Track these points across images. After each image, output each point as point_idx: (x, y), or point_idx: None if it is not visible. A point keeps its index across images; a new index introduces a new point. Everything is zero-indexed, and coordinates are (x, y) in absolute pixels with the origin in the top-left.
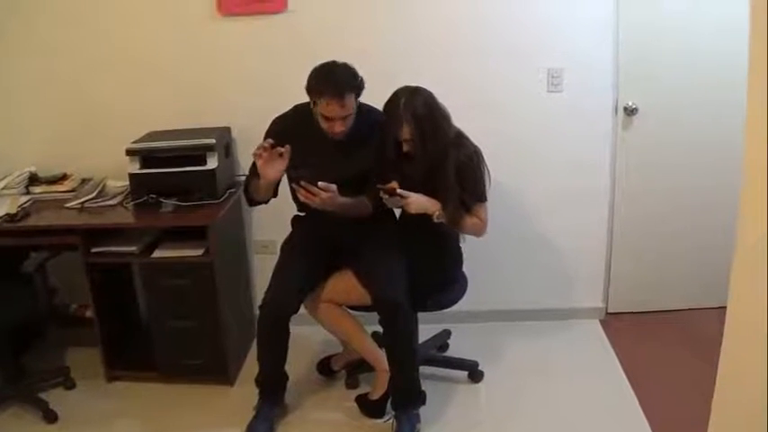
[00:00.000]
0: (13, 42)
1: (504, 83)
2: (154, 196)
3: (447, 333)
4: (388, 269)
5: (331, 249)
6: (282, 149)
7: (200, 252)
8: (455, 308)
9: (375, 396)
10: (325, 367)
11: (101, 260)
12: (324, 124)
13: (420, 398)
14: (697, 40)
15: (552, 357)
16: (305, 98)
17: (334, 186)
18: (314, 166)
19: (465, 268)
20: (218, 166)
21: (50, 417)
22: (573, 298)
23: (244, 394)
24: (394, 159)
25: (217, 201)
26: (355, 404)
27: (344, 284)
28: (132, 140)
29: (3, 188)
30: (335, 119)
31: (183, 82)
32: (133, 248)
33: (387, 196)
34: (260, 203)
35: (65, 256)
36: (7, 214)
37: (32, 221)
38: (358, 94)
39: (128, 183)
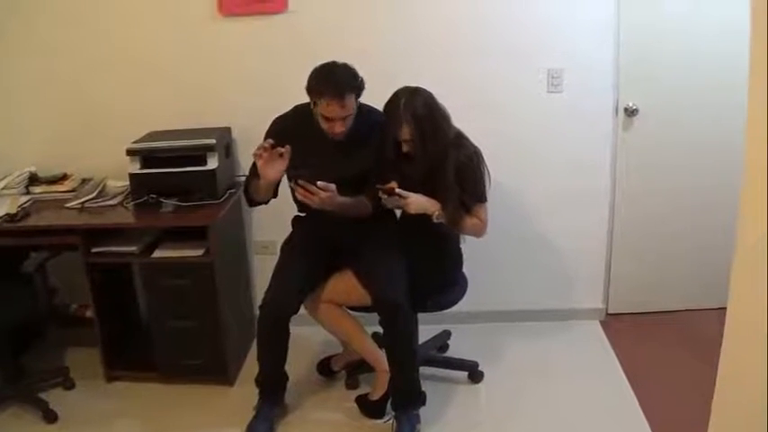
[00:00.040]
0: (13, 42)
1: (505, 83)
2: (154, 196)
3: (447, 334)
4: (388, 270)
5: (331, 250)
6: (282, 150)
7: (200, 252)
8: (455, 308)
9: (375, 396)
10: (326, 368)
11: (101, 260)
12: (324, 125)
13: (420, 398)
14: (697, 41)
15: (552, 358)
16: (305, 98)
17: (332, 186)
18: (314, 167)
19: (465, 269)
20: (219, 166)
21: (50, 417)
22: (573, 299)
23: (244, 394)
24: (393, 159)
25: (217, 201)
26: (355, 404)
27: (345, 285)
28: (133, 140)
29: (3, 188)
30: (336, 119)
31: (183, 82)
32: (133, 248)
33: (386, 196)
34: (260, 204)
35: (65, 256)
36: (7, 214)
37: (32, 221)
38: (358, 95)
39: (128, 183)
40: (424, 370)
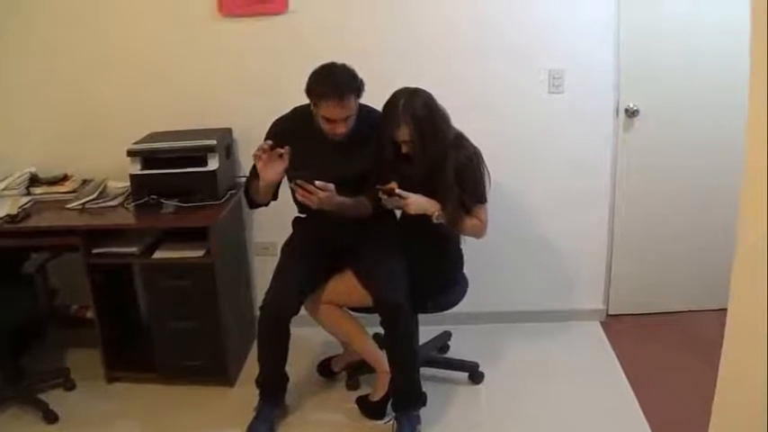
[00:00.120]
0: (13, 42)
1: (506, 84)
2: (155, 197)
3: (447, 334)
4: (388, 270)
5: (332, 251)
6: (282, 150)
7: (200, 253)
8: (456, 309)
9: (376, 397)
10: (326, 368)
11: (101, 261)
12: (325, 126)
13: (420, 399)
14: (698, 41)
15: (553, 359)
16: (306, 99)
17: (331, 186)
18: (313, 167)
19: (465, 270)
20: (219, 167)
21: (50, 417)
22: (573, 300)
23: (244, 395)
24: (393, 160)
25: (218, 202)
26: (356, 405)
27: (345, 286)
28: (133, 141)
29: (3, 189)
30: (337, 120)
31: (184, 83)
32: (134, 249)
33: (386, 197)
34: (260, 206)
35: (65, 256)
36: (8, 215)
37: (33, 222)
38: (358, 95)
39: (129, 184)
40: (424, 371)
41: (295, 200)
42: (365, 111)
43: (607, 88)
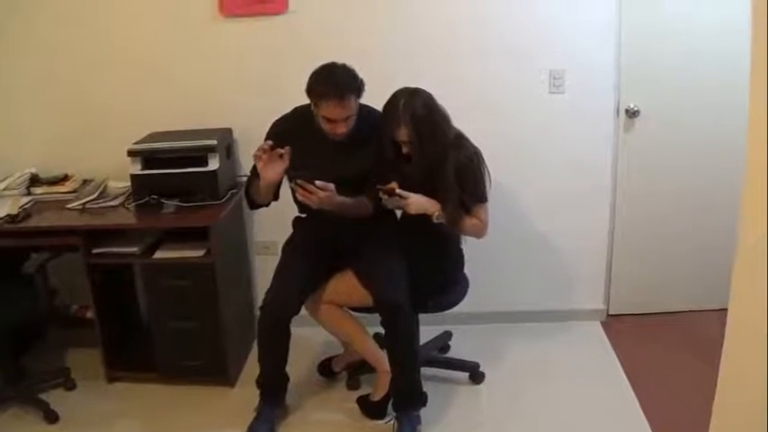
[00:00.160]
0: (13, 42)
1: (506, 84)
2: (155, 197)
3: (448, 334)
4: (388, 270)
5: (332, 251)
6: (282, 151)
7: (201, 253)
8: (456, 309)
9: (376, 397)
10: (326, 368)
11: (102, 261)
12: (326, 126)
13: (421, 399)
14: (698, 42)
15: (553, 359)
16: (306, 99)
17: (331, 185)
18: (314, 167)
19: (466, 270)
20: (220, 167)
21: (51, 417)
22: (574, 300)
23: (244, 395)
24: (393, 160)
25: (218, 202)
26: (356, 405)
27: (346, 285)
28: (134, 141)
29: (4, 189)
30: (338, 120)
31: (184, 83)
32: (134, 249)
33: (386, 197)
34: (261, 206)
35: (66, 256)
36: (8, 215)
37: (33, 222)
38: (359, 95)
39: (129, 184)
40: (425, 371)
41: (295, 200)
42: (365, 111)
43: (608, 88)
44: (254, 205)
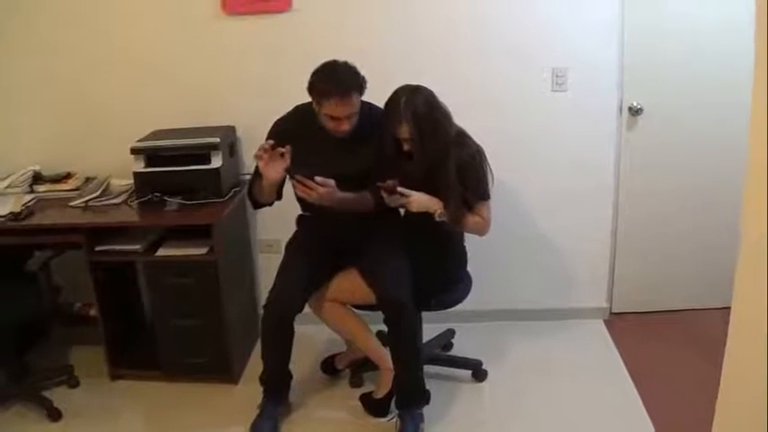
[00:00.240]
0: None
1: (509, 82)
2: (158, 195)
3: (451, 332)
4: (392, 268)
5: (335, 249)
6: (283, 150)
7: (204, 251)
8: (459, 307)
9: (379, 395)
10: (330, 366)
11: (105, 259)
12: (329, 124)
13: (424, 397)
14: (701, 41)
15: (556, 357)
16: (309, 97)
17: (332, 181)
18: (316, 165)
19: (469, 268)
20: (223, 164)
21: (54, 415)
22: (577, 298)
23: (248, 393)
24: (394, 157)
25: (221, 199)
26: (359, 403)
27: (349, 283)
28: (137, 139)
29: (7, 187)
30: (341, 118)
31: (186, 82)
32: (137, 247)
33: (387, 195)
34: (264, 206)
35: (69, 254)
36: (11, 213)
37: (36, 220)
38: (361, 92)
39: (132, 181)
40: (428, 368)
41: (298, 198)
42: (367, 108)
43: (610, 87)
44: (258, 205)
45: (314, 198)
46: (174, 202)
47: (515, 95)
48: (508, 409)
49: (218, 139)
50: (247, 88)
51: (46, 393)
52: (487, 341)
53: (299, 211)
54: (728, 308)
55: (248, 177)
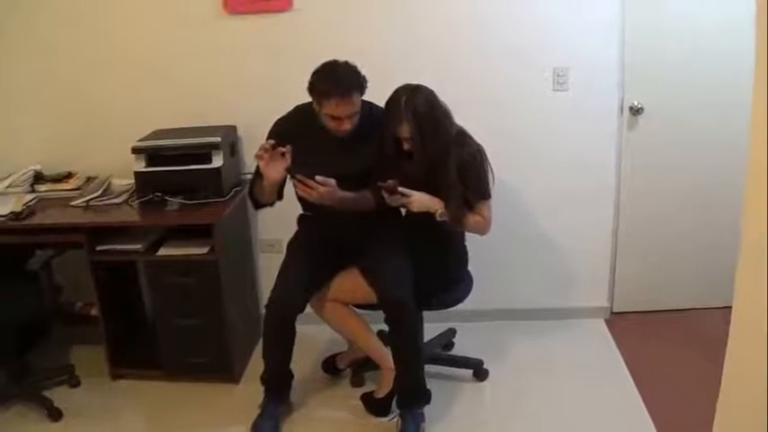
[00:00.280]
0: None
1: (510, 81)
2: (159, 194)
3: (452, 332)
4: (393, 268)
5: (337, 248)
6: (284, 149)
7: (205, 250)
8: (460, 307)
9: (380, 394)
10: (331, 365)
11: (106, 258)
12: (330, 124)
13: (425, 396)
14: (702, 40)
15: (557, 356)
16: (310, 97)
17: (332, 180)
18: (317, 165)
19: (470, 267)
20: (224, 164)
21: (55, 415)
22: (578, 297)
23: (249, 392)
24: (395, 157)
25: (222, 199)
26: (360, 402)
27: (351, 283)
28: (137, 139)
29: (8, 186)
30: (342, 118)
31: (187, 81)
32: (138, 246)
33: (388, 195)
34: (265, 206)
35: (70, 254)
36: (12, 212)
37: (37, 219)
38: (362, 92)
39: (133, 181)
40: (429, 368)
41: (299, 197)
42: (367, 107)
43: (611, 86)
44: (258, 205)
45: (314, 197)
46: (174, 202)
47: (516, 95)
48: (509, 408)
49: (219, 139)
50: (248, 88)
51: (47, 393)
52: (488, 341)
53: (301, 211)
54: (729, 307)
55: (249, 177)
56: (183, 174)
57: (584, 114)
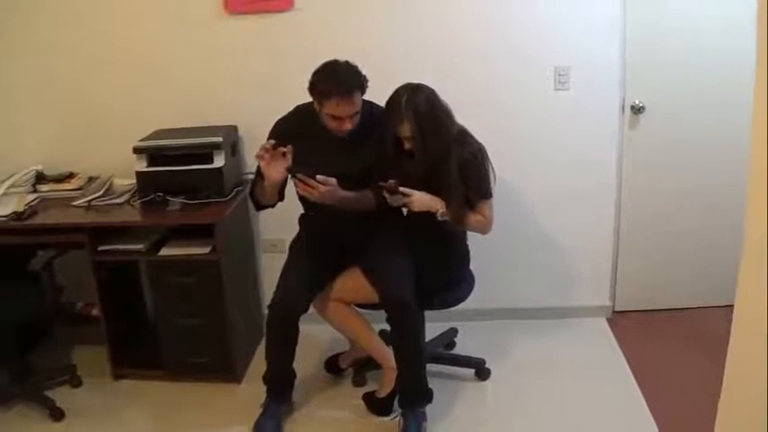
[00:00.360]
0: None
1: (511, 80)
2: (161, 194)
3: (454, 331)
4: (395, 267)
5: (339, 248)
6: (285, 149)
7: (206, 250)
8: (462, 306)
9: (382, 394)
10: (333, 365)
11: (107, 258)
12: (331, 123)
13: (427, 396)
14: (703, 39)
15: (559, 355)
16: (310, 97)
17: (333, 180)
18: (318, 165)
19: (472, 266)
20: (225, 164)
21: (57, 414)
22: (579, 296)
23: (251, 392)
24: (396, 156)
25: (224, 199)
26: (362, 402)
27: (353, 283)
28: (139, 139)
29: (10, 186)
30: (343, 118)
31: (188, 81)
32: (140, 246)
33: (389, 194)
34: (267, 207)
35: (72, 254)
36: (14, 212)
37: (39, 220)
38: (363, 91)
39: (135, 181)
40: (430, 367)
41: (300, 198)
42: (368, 106)
43: (613, 85)
44: (260, 207)
45: (315, 197)
46: (176, 202)
47: (517, 94)
48: (511, 407)
49: (220, 139)
50: (249, 87)
51: (48, 393)
52: (490, 340)
53: (302, 212)
54: (731, 306)
55: (250, 177)
56: (185, 174)
57: (585, 113)
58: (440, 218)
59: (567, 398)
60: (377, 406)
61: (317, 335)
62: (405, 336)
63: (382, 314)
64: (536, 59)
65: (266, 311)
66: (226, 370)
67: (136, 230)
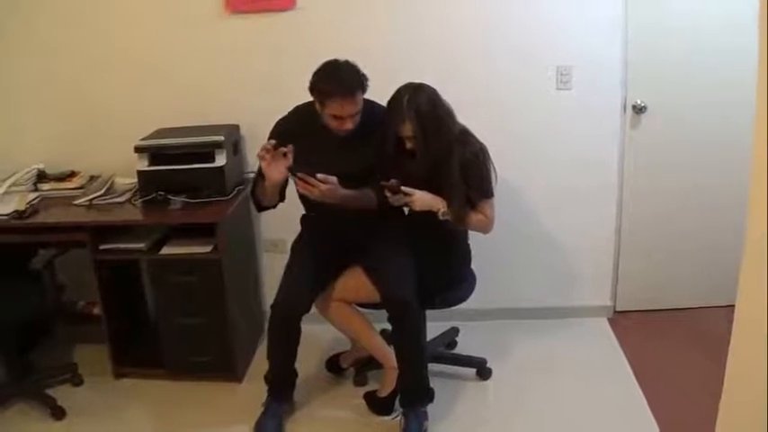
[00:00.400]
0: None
1: (513, 80)
2: (162, 193)
3: (455, 330)
4: (396, 267)
5: (340, 248)
6: (285, 149)
7: (208, 249)
8: (463, 305)
9: (383, 393)
10: (334, 365)
11: (109, 257)
12: (332, 123)
13: (428, 395)
14: (705, 38)
15: (560, 355)
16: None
17: (333, 178)
18: (319, 164)
19: (473, 266)
20: (227, 163)
21: (58, 413)
22: (581, 296)
23: (252, 391)
24: (397, 156)
25: (225, 198)
26: (363, 401)
27: (354, 282)
28: (140, 138)
29: (11, 185)
30: (344, 117)
31: (189, 81)
32: (141, 245)
33: (391, 194)
34: (268, 208)
35: (73, 253)
36: (16, 211)
37: (41, 218)
38: (363, 91)
39: (136, 180)
40: (432, 367)
41: (301, 198)
42: (369, 106)
43: (614, 85)
44: (261, 207)
45: (316, 195)
46: (178, 201)
47: (519, 94)
48: (512, 407)
49: (222, 138)
50: (251, 87)
51: (49, 391)
52: (491, 339)
53: (304, 212)
54: (733, 306)
55: (252, 176)
56: (186, 172)
57: (587, 113)
58: (441, 217)
59: (568, 398)
60: (378, 405)
61: (319, 334)
62: (406, 335)
63: (384, 314)
64: (538, 59)
65: (267, 311)
66: (227, 369)
67: (137, 229)
